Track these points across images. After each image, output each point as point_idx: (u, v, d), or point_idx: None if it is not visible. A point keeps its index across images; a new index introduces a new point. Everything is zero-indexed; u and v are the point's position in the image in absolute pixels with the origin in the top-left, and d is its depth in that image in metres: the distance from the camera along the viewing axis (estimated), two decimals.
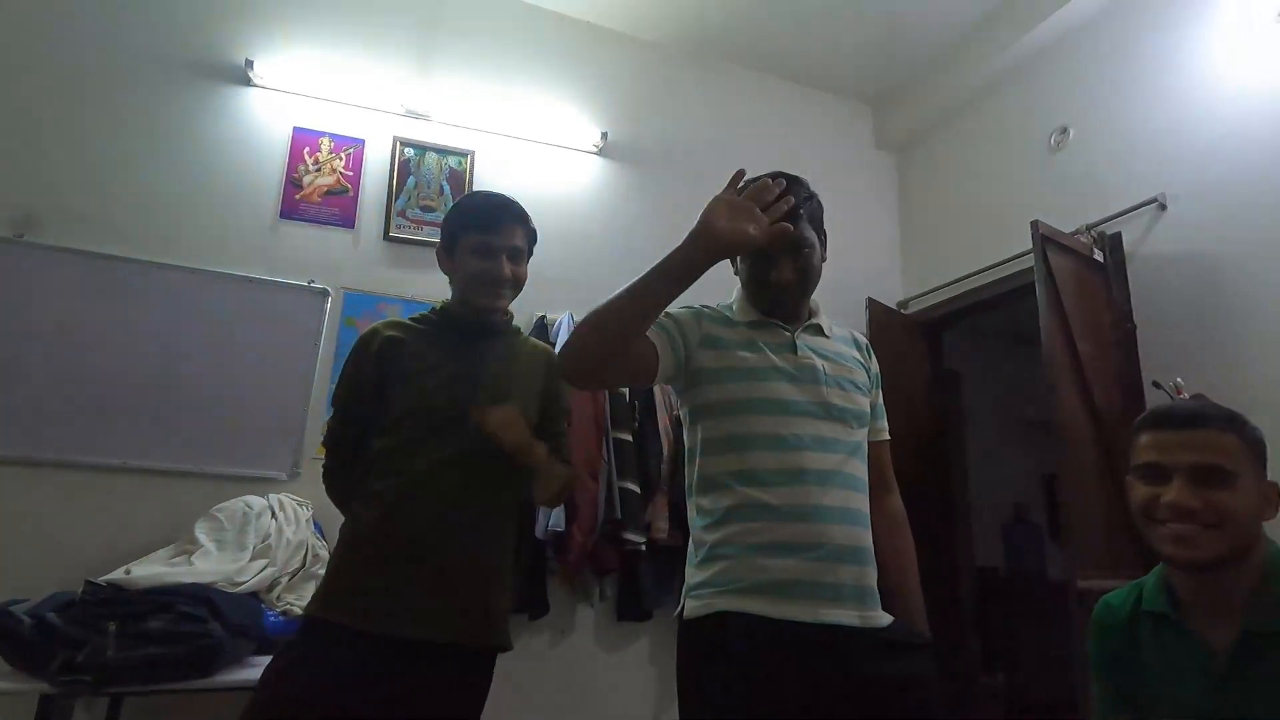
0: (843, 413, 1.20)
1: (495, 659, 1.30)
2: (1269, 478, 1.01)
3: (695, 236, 1.03)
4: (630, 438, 2.54)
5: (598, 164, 2.92)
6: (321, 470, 1.42)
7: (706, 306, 1.28)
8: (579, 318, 2.54)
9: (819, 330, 1.28)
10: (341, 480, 1.40)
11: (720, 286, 1.33)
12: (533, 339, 1.54)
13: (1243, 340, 1.95)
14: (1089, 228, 2.36)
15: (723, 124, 3.16)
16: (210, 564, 1.82)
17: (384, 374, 1.32)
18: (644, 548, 2.45)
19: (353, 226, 2.53)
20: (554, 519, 2.32)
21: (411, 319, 1.41)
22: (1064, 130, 2.57)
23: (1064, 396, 2.08)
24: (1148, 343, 2.19)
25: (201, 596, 1.65)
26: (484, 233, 1.36)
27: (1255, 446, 1.00)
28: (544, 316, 2.62)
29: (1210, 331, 2.03)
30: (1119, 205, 2.30)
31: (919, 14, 2.91)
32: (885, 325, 3.00)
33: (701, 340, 1.21)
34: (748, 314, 1.27)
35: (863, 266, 3.23)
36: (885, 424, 1.36)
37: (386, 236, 2.53)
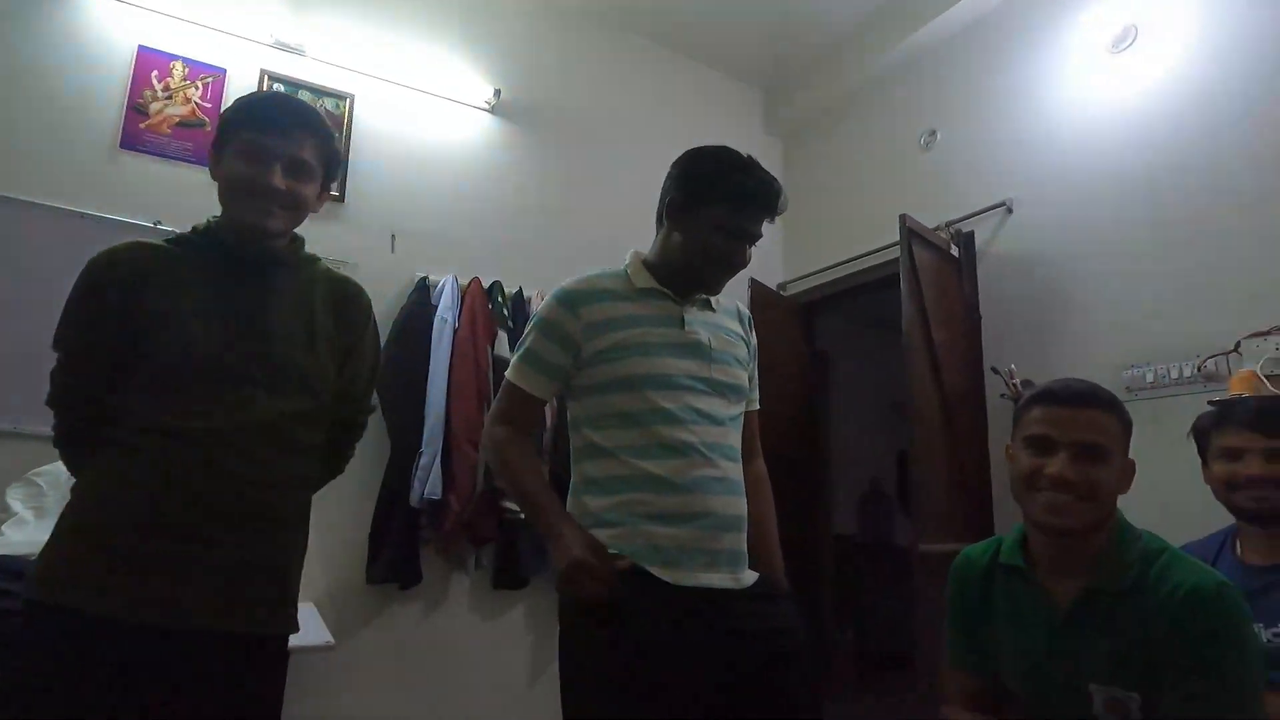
0: (725, 387, 1.24)
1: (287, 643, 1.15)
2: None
3: (554, 550, 1.12)
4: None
5: (489, 122, 2.81)
6: (53, 439, 1.14)
7: (587, 281, 1.27)
8: (464, 281, 2.50)
9: (707, 304, 1.31)
10: (76, 449, 1.14)
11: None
12: (331, 270, 1.24)
13: (1069, 333, 2.21)
14: (948, 225, 2.57)
15: (618, 93, 3.13)
16: (25, 534, 1.62)
17: (130, 311, 1.06)
18: (523, 516, 2.44)
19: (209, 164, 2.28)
20: (430, 487, 2.26)
21: (166, 241, 1.15)
22: (933, 132, 2.77)
23: (918, 378, 2.27)
24: (990, 332, 2.43)
25: (13, 570, 1.46)
26: (258, 131, 1.10)
27: (1127, 428, 1.09)
28: (426, 277, 2.51)
29: (1042, 324, 2.28)
30: (974, 206, 2.52)
31: (813, 6, 3.02)
32: (766, 305, 3.12)
33: (584, 333, 1.21)
34: (642, 280, 1.28)
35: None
36: (757, 394, 1.41)
37: None
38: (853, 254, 2.98)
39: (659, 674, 1.07)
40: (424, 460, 2.29)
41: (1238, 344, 1.77)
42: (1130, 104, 2.15)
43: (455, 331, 2.45)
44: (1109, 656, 1.02)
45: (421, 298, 2.48)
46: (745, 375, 1.31)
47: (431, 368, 2.39)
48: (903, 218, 2.33)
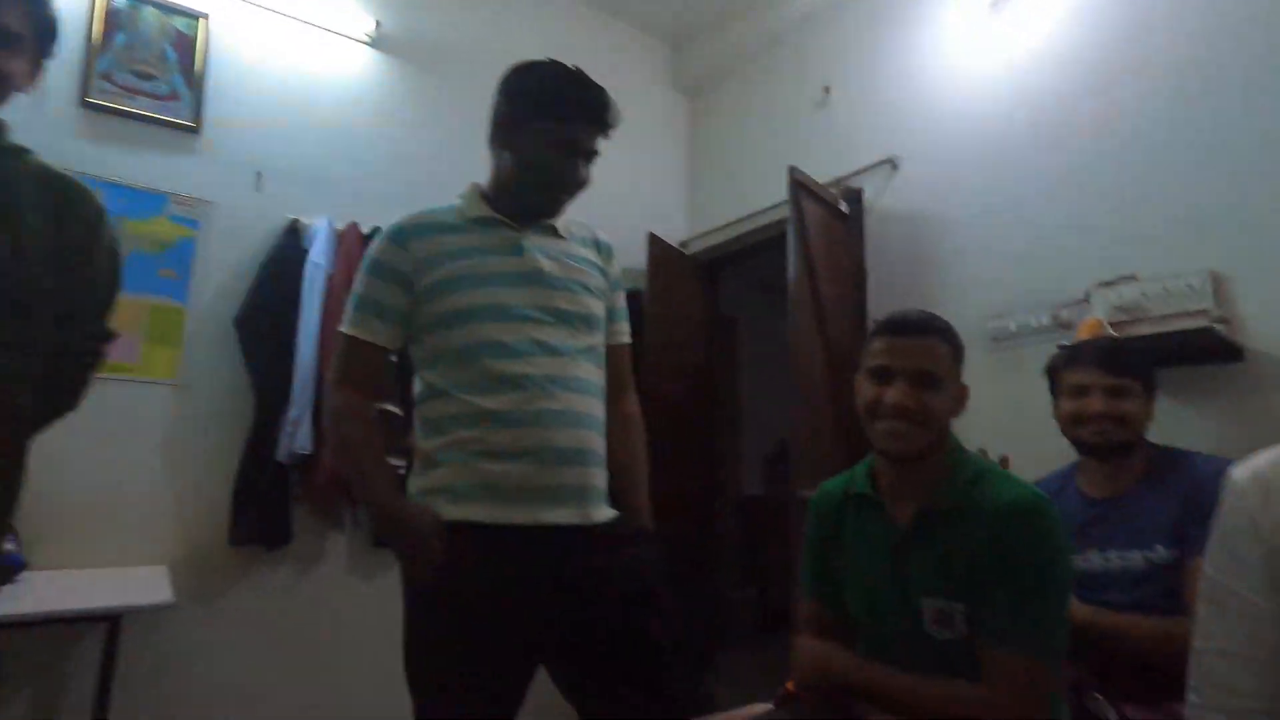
0: (571, 317, 1.20)
1: None
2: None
3: (381, 524, 1.15)
4: (394, 357, 2.39)
5: (370, 57, 2.63)
6: None
7: (418, 215, 1.20)
8: (341, 226, 2.34)
9: (552, 231, 1.25)
10: None
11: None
12: (49, 167, 1.05)
13: (944, 286, 2.28)
14: (838, 181, 2.59)
15: (515, 37, 2.99)
16: None
17: None
18: (404, 471, 2.34)
19: None
20: (299, 441, 2.13)
21: None
22: (827, 89, 2.78)
23: (803, 331, 2.29)
24: (875, 287, 2.48)
25: None
26: None
27: (959, 355, 1.14)
28: (297, 221, 2.34)
29: (922, 279, 2.34)
30: (862, 163, 2.55)
31: None
32: (666, 261, 3.10)
33: (416, 269, 1.16)
34: (477, 209, 1.22)
35: (648, 202, 3.29)
36: (626, 326, 1.37)
37: (84, 102, 2.07)
38: (753, 210, 2.97)
39: (493, 624, 1.04)
40: (293, 414, 2.15)
41: (1088, 294, 1.86)
42: (1002, 66, 2.20)
43: (329, 279, 2.31)
44: (937, 571, 1.06)
45: (291, 242, 2.31)
46: (599, 305, 1.26)
47: (302, 317, 2.24)
48: (791, 170, 2.33)
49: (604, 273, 1.31)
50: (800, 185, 2.36)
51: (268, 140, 2.38)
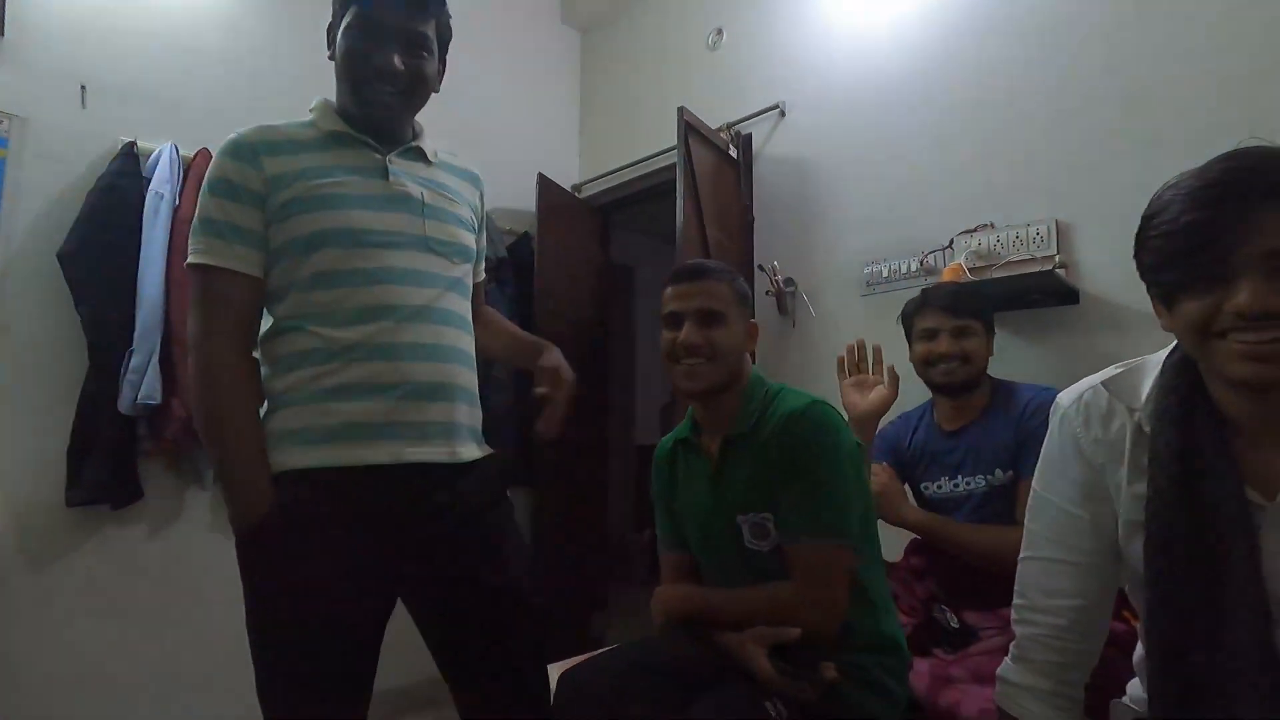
0: (443, 246, 1.12)
1: None
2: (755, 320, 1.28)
3: (232, 512, 0.99)
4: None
5: None
6: None
7: (265, 129, 1.07)
8: (188, 152, 2.10)
9: (420, 155, 1.17)
10: None
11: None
12: None
13: (824, 232, 2.35)
14: (729, 126, 2.59)
15: None
16: None
17: None
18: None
19: None
20: (145, 389, 1.93)
21: None
22: (719, 32, 2.75)
23: None
24: (761, 232, 2.52)
25: None
26: None
27: (741, 293, 1.24)
28: (134, 144, 2.07)
29: (805, 225, 2.40)
30: (752, 108, 2.55)
31: None
32: (557, 205, 3.01)
33: (268, 187, 1.03)
34: (330, 123, 1.11)
35: (538, 142, 3.18)
36: (484, 264, 1.35)
37: None
38: (646, 154, 2.93)
39: (344, 583, 0.98)
40: (135, 360, 1.94)
41: (951, 241, 1.98)
42: (885, 19, 2.24)
43: (175, 211, 2.07)
44: (748, 488, 1.16)
45: (127, 168, 2.05)
46: (470, 237, 1.20)
47: (144, 253, 2.01)
48: (681, 111, 2.30)
49: (475, 206, 1.25)
50: (690, 127, 2.33)
51: (95, 50, 2.07)
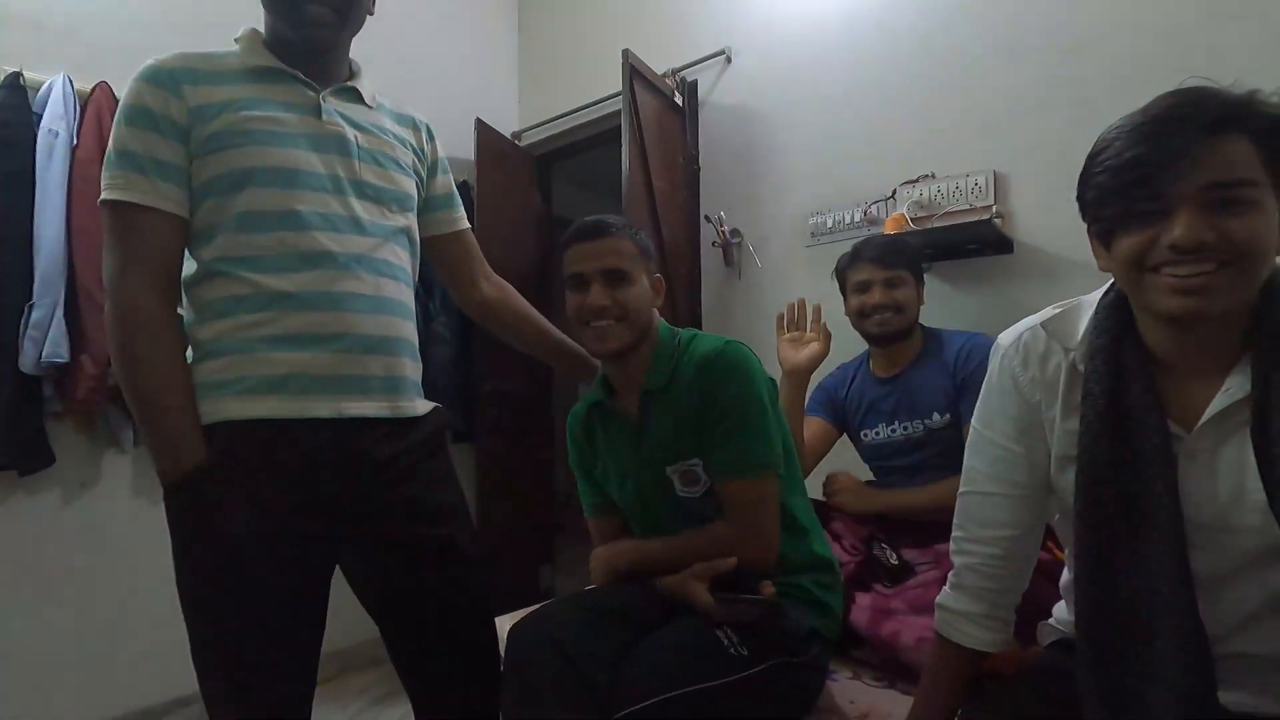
0: (379, 192, 1.06)
1: None
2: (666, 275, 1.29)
3: (161, 464, 0.93)
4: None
5: None
6: None
7: (186, 56, 0.98)
8: (83, 86, 1.90)
9: (356, 96, 1.09)
10: None
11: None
12: None
13: (770, 182, 2.33)
14: (674, 72, 2.52)
15: None
16: None
17: None
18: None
19: None
20: (50, 347, 1.78)
21: None
22: None
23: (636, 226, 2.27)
24: (707, 182, 2.49)
25: None
26: None
27: (644, 248, 1.22)
28: (19, 74, 1.87)
29: (751, 174, 2.38)
30: (697, 53, 2.49)
31: None
32: (495, 152, 2.90)
33: (189, 118, 0.95)
34: (259, 57, 1.02)
35: (475, 86, 3.04)
36: (461, 213, 1.28)
37: None
38: (587, 101, 2.83)
39: (279, 531, 0.94)
40: (36, 315, 1.78)
41: (894, 191, 2.00)
42: None
43: (74, 150, 1.89)
44: (673, 439, 1.17)
45: (13, 101, 1.85)
46: (411, 184, 1.13)
47: (39, 197, 1.83)
48: (625, 54, 2.23)
49: (420, 153, 1.18)
50: (636, 72, 2.26)
51: None
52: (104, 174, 0.94)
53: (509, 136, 3.08)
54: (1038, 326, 0.87)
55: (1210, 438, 0.73)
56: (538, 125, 3.08)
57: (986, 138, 1.87)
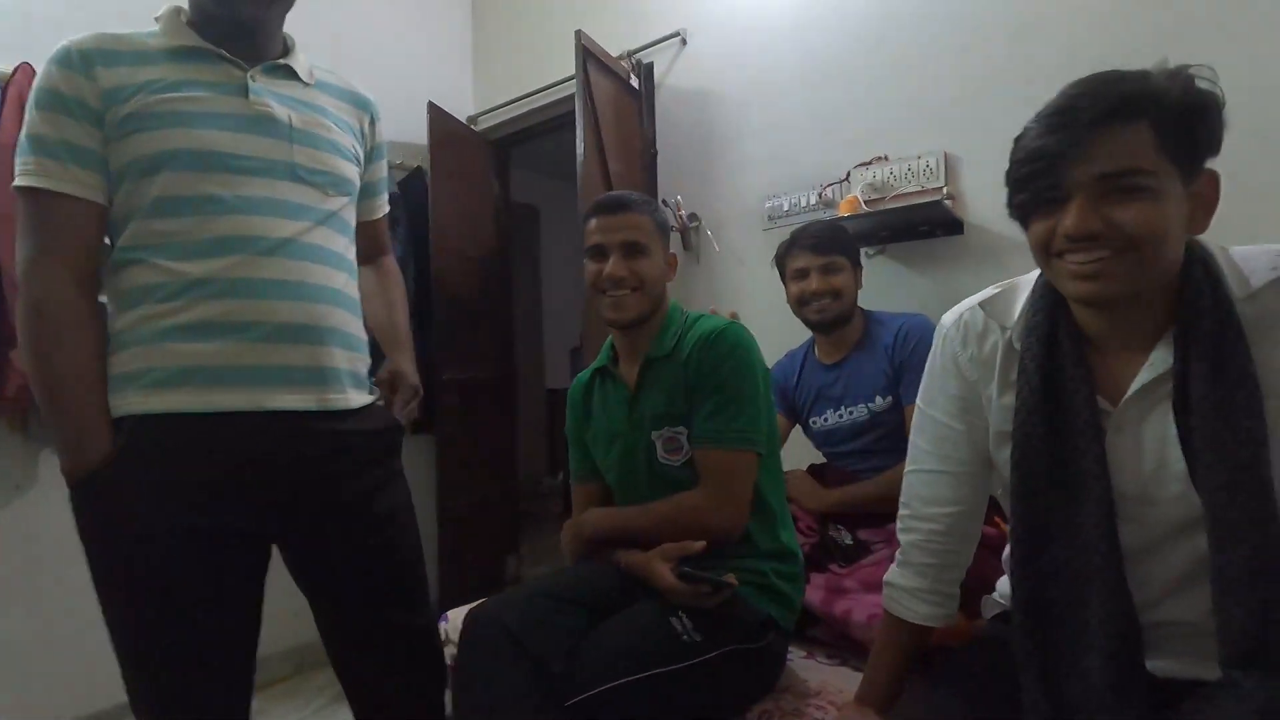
0: (314, 175, 1.02)
1: None
2: (675, 251, 1.31)
3: (65, 460, 0.89)
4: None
5: None
6: None
7: (100, 37, 0.93)
8: (4, 67, 1.80)
9: (291, 74, 1.05)
10: None
11: None
12: None
13: (727, 166, 2.32)
14: (630, 54, 2.49)
15: None
16: None
17: None
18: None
19: None
20: None
21: None
22: None
23: None
24: (664, 166, 2.47)
25: None
26: None
27: (662, 226, 1.28)
28: None
29: (708, 158, 2.37)
30: (653, 35, 2.46)
31: None
32: (449, 136, 2.83)
33: (104, 100, 0.90)
34: (180, 36, 0.97)
35: (428, 69, 2.96)
36: (384, 200, 1.25)
37: None
38: (543, 83, 2.78)
39: (193, 529, 0.91)
40: None
41: (848, 173, 2.00)
42: None
43: None
44: (664, 405, 1.21)
45: None
46: (351, 168, 1.09)
47: None
48: (578, 35, 2.19)
49: (361, 136, 1.14)
50: (589, 53, 2.22)
51: None
52: (16, 160, 0.90)
53: (464, 121, 3.02)
54: (976, 306, 0.89)
55: (1136, 411, 0.75)
56: (493, 109, 3.02)
57: (937, 119, 1.88)
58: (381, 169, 1.23)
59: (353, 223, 1.11)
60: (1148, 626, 0.74)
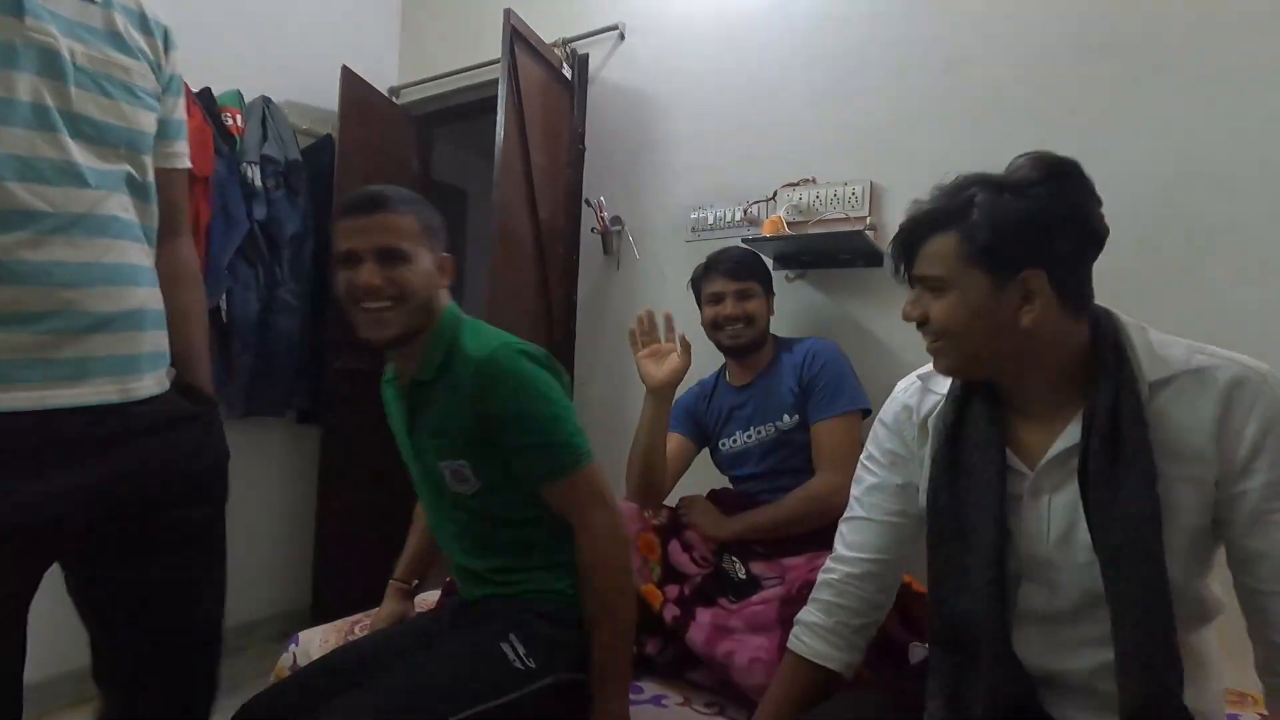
0: (102, 130, 0.84)
1: None
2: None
3: None
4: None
5: None
6: None
7: None
8: None
9: None
10: None
11: None
12: None
13: (656, 170, 2.23)
14: (565, 42, 2.37)
15: None
16: None
17: None
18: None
19: None
20: None
21: None
22: None
23: (510, 204, 2.10)
24: (592, 164, 2.36)
25: None
26: None
27: (428, 225, 1.10)
28: None
29: (637, 160, 2.27)
30: (590, 25, 2.34)
31: None
32: (366, 106, 2.63)
33: None
34: None
35: (346, 31, 2.74)
36: (185, 146, 1.02)
37: None
38: (474, 61, 2.61)
39: None
40: None
41: (775, 193, 1.95)
42: None
43: None
44: (439, 434, 1.10)
45: None
46: (148, 117, 0.91)
47: None
48: (507, 14, 2.05)
49: (157, 68, 0.94)
50: (518, 34, 2.09)
51: None
52: None
53: (384, 92, 2.82)
54: (925, 370, 0.93)
55: (1050, 480, 0.78)
56: (419, 83, 2.83)
57: (867, 147, 1.85)
58: (179, 106, 1.01)
59: (150, 182, 0.93)
60: (1064, 679, 0.78)
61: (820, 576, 0.99)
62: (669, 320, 1.56)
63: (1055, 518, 0.77)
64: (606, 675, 1.02)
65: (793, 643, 0.97)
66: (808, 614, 0.98)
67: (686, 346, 1.52)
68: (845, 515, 1.00)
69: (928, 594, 0.86)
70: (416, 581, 1.32)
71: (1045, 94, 1.62)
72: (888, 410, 0.98)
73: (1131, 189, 1.47)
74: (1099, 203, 0.77)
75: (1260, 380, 0.71)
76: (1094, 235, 0.76)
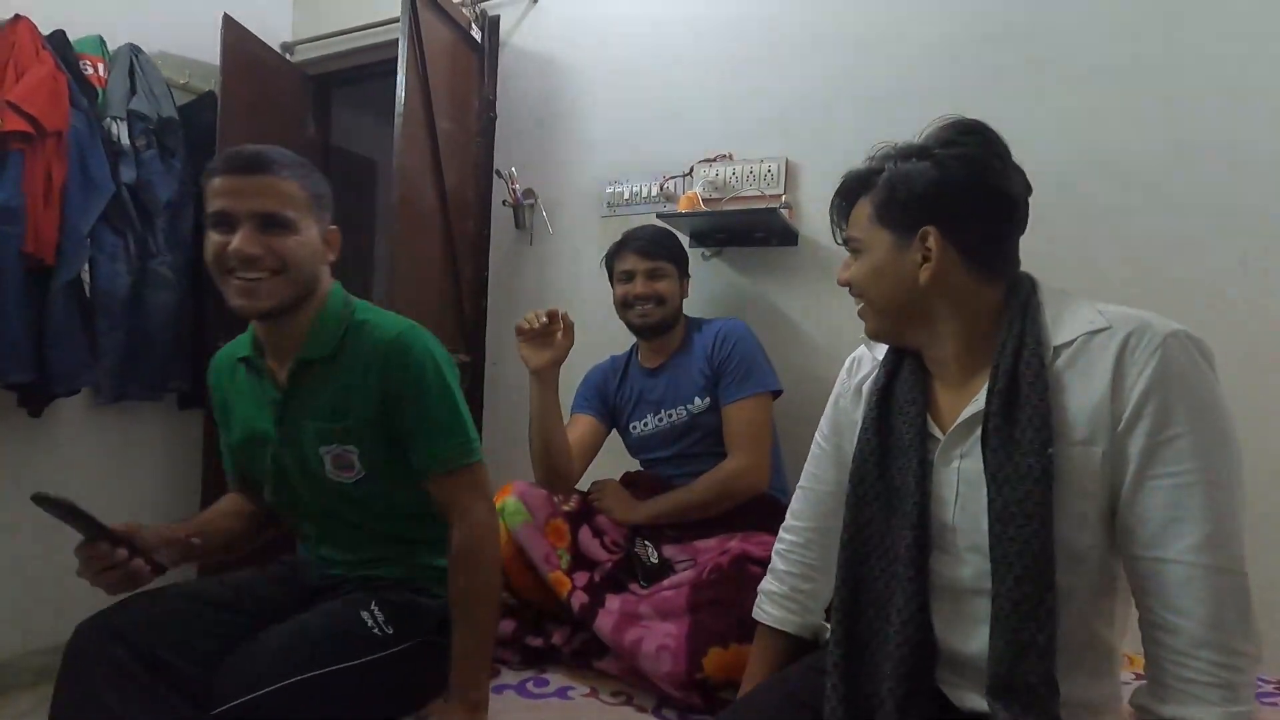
0: None
1: None
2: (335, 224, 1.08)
3: None
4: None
5: None
6: None
7: None
8: None
9: None
10: None
11: None
12: None
13: (570, 142, 2.14)
14: (475, 2, 2.23)
15: None
16: None
17: None
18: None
19: None
20: None
21: None
22: None
23: (413, 170, 1.97)
24: (503, 133, 2.24)
25: None
26: None
27: (318, 195, 1.04)
28: None
29: (551, 130, 2.17)
30: None
31: None
32: (251, 61, 2.39)
33: None
34: None
35: None
36: None
37: None
38: (376, 19, 2.43)
39: None
40: None
41: (692, 168, 1.91)
42: None
43: None
44: (326, 419, 1.05)
45: None
46: None
47: None
48: None
49: None
50: None
51: None
52: None
53: (276, 48, 2.59)
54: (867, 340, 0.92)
55: (961, 444, 0.76)
56: (315, 39, 2.61)
57: (782, 123, 1.83)
58: None
59: None
60: (962, 659, 0.76)
61: (774, 546, 1.02)
62: (553, 314, 1.43)
63: (962, 484, 0.75)
64: (467, 664, 1.01)
65: (756, 612, 0.99)
66: (766, 583, 1.00)
67: (569, 325, 1.44)
68: (799, 485, 1.01)
69: (839, 556, 0.84)
70: (197, 540, 1.14)
71: (952, 78, 1.64)
72: (839, 381, 0.98)
73: (1030, 170, 1.50)
74: (1006, 162, 0.76)
75: (1153, 338, 0.67)
76: (997, 192, 0.75)
